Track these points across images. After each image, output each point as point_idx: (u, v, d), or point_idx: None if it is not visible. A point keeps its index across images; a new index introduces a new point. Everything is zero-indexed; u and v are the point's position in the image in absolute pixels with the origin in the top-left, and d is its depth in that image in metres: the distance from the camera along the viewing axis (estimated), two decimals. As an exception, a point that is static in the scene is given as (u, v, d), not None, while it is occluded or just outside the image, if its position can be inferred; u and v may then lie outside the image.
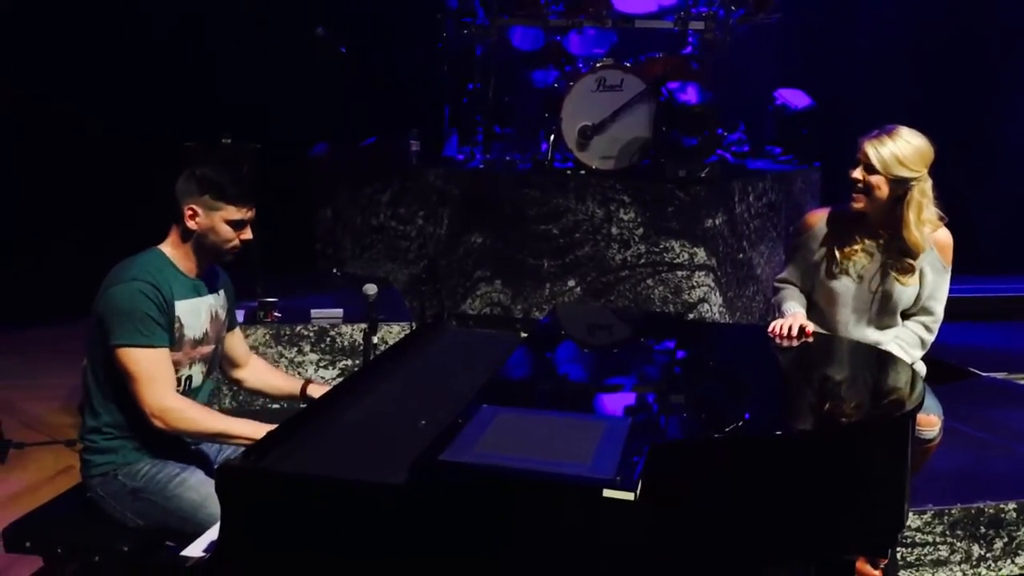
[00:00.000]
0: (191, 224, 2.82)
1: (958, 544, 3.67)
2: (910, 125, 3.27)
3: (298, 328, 4.83)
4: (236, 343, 3.13)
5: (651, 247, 5.39)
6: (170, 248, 2.87)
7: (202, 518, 2.59)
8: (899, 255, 3.28)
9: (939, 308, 3.37)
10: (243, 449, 2.35)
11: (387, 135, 6.19)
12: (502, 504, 2.02)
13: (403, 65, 6.91)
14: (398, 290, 5.69)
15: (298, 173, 6.22)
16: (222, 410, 4.29)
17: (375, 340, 3.58)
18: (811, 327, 3.24)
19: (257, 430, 2.62)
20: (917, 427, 3.15)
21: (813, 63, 6.97)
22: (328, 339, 4.83)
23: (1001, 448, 4.26)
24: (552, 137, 5.66)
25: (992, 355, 5.47)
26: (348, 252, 6.01)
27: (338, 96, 6.02)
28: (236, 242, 2.86)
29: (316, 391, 3.03)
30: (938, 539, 3.65)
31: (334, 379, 4.79)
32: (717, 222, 5.40)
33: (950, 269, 3.36)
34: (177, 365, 2.82)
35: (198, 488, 2.70)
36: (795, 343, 3.18)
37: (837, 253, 3.32)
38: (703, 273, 5.36)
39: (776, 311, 3.44)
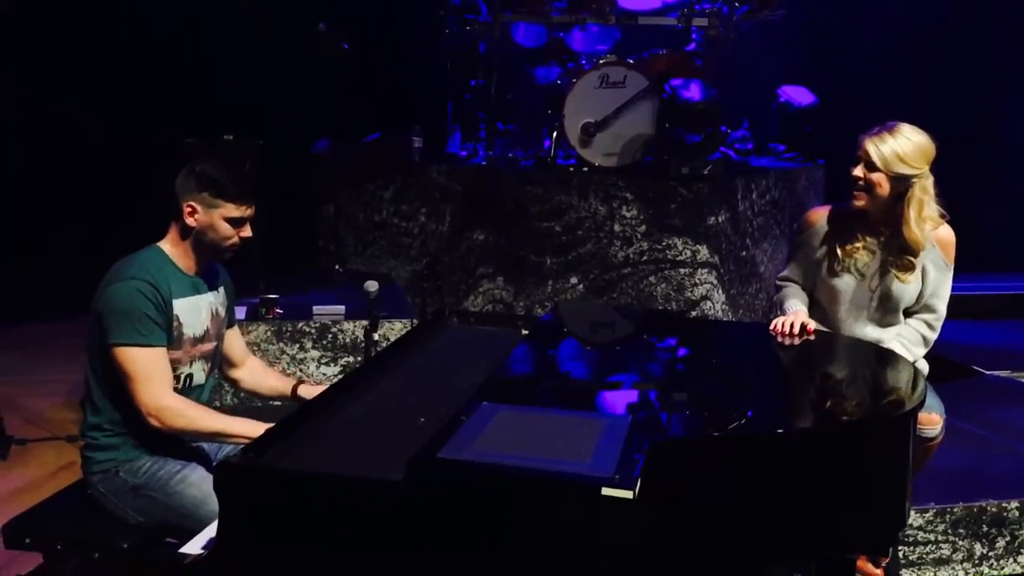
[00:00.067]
0: (190, 221, 2.82)
1: (960, 543, 3.66)
2: (914, 122, 3.26)
3: (300, 325, 4.83)
4: (234, 341, 3.12)
5: (654, 244, 5.38)
6: (169, 246, 2.87)
7: (203, 514, 2.58)
8: (900, 252, 3.27)
9: (942, 306, 3.36)
10: (242, 446, 2.35)
11: (390, 132, 6.18)
12: (500, 502, 2.02)
13: (406, 61, 6.91)
14: (400, 287, 5.68)
15: (300, 170, 6.21)
16: (224, 407, 4.30)
17: (376, 337, 3.58)
18: (813, 325, 3.24)
19: (255, 429, 2.62)
20: (919, 426, 3.15)
21: (817, 60, 6.95)
22: (330, 336, 4.83)
23: (1004, 446, 4.24)
24: (555, 134, 5.65)
25: (995, 353, 5.45)
26: (350, 249, 6.00)
27: (340, 93, 6.02)
28: (235, 239, 2.85)
29: (307, 391, 3.02)
30: (940, 538, 3.64)
31: (336, 376, 4.79)
32: (720, 219, 5.39)
33: (952, 267, 3.35)
34: (177, 363, 2.81)
35: (199, 485, 2.70)
36: (797, 341, 3.18)
37: (839, 251, 3.32)
38: (706, 270, 5.35)
39: (778, 309, 3.43)
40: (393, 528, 2.05)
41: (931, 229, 3.28)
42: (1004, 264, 6.89)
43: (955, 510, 3.64)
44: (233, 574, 2.12)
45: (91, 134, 6.65)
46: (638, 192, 5.39)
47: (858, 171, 3.22)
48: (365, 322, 4.56)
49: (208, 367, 2.95)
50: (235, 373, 3.16)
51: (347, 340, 4.84)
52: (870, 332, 3.35)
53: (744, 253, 5.60)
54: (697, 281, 5.35)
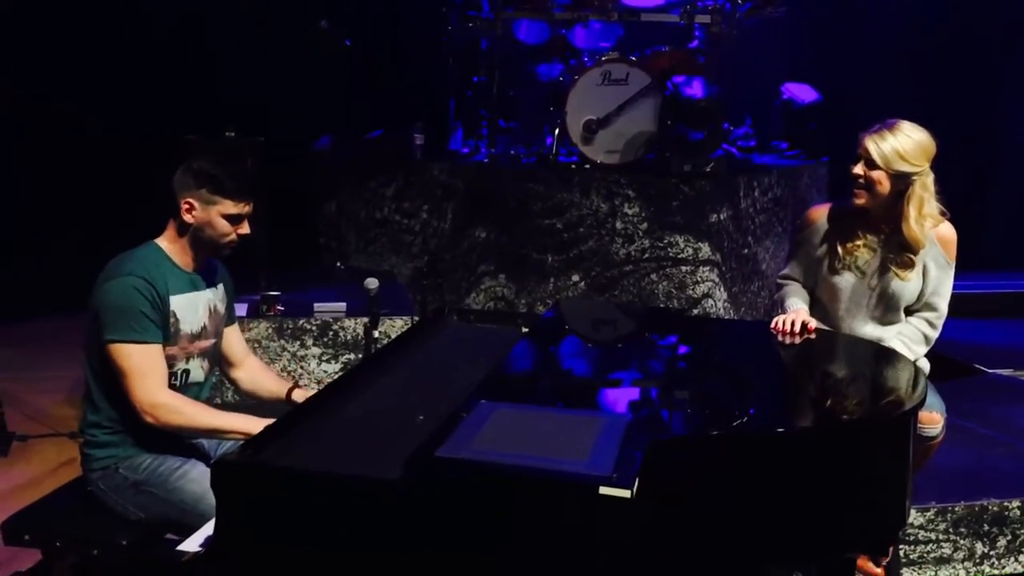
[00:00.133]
0: (188, 218, 2.81)
1: (961, 542, 3.66)
2: (917, 119, 3.25)
3: (301, 322, 4.82)
4: (233, 340, 3.10)
5: (655, 242, 5.38)
6: (167, 242, 2.86)
7: (203, 509, 2.58)
8: (900, 250, 3.27)
9: (943, 304, 3.35)
10: (240, 443, 2.34)
11: (392, 129, 6.17)
12: (498, 500, 2.01)
13: (407, 58, 6.89)
14: (402, 284, 5.68)
15: (302, 167, 6.20)
16: (225, 404, 4.30)
17: (376, 334, 3.58)
18: (813, 323, 3.23)
19: (252, 425, 2.62)
20: (919, 424, 3.15)
21: (820, 57, 6.93)
22: (331, 333, 4.82)
23: (1006, 445, 4.23)
24: (557, 131, 5.63)
25: (998, 352, 5.44)
26: (352, 246, 5.99)
27: (342, 90, 6.01)
28: (233, 236, 2.84)
29: (301, 396, 3.00)
30: (941, 537, 3.64)
31: (336, 373, 4.79)
32: (722, 217, 5.38)
33: (954, 265, 3.34)
34: (173, 359, 2.81)
35: (199, 480, 2.69)
36: (798, 339, 3.17)
37: (839, 249, 3.31)
38: (707, 268, 5.34)
39: (779, 308, 3.42)
40: (391, 526, 2.05)
41: (932, 227, 3.27)
42: (1006, 262, 6.88)
43: (956, 509, 3.64)
44: (230, 572, 2.12)
45: (91, 134, 6.65)
46: (640, 189, 5.38)
47: (858, 169, 3.21)
48: (366, 319, 4.56)
49: (207, 364, 2.94)
50: (235, 373, 3.14)
51: (348, 337, 4.83)
52: (871, 330, 3.34)
53: (746, 251, 5.58)
54: (699, 279, 5.34)
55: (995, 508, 3.66)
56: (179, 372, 2.84)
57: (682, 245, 5.35)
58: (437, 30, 6.26)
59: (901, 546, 3.59)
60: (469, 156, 6.00)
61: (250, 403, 3.16)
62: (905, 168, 3.17)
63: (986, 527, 3.67)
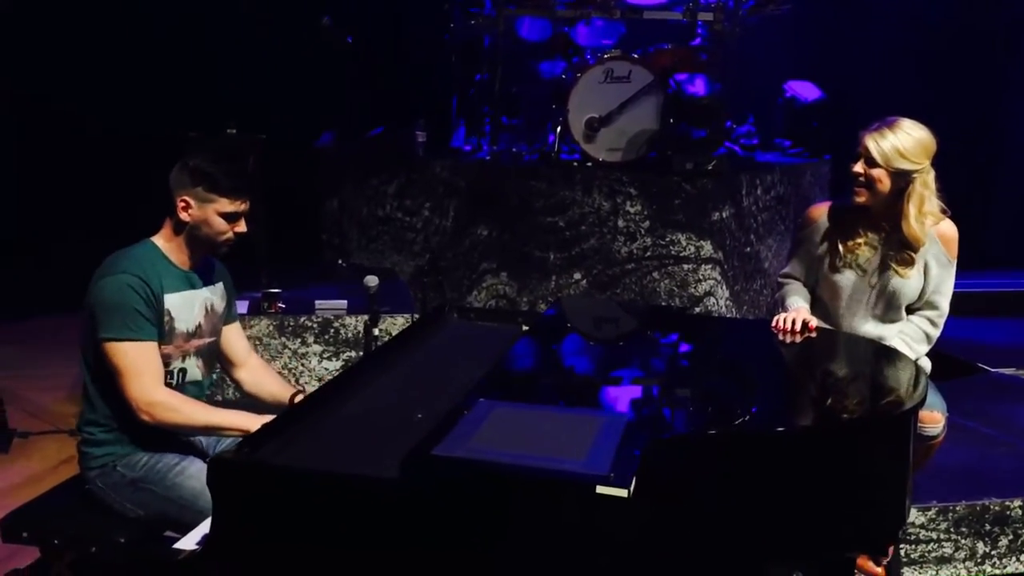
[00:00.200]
0: (184, 216, 2.79)
1: (963, 541, 3.65)
2: (920, 118, 3.24)
3: (302, 319, 4.82)
4: (233, 338, 3.08)
5: (657, 240, 5.37)
6: (163, 240, 2.85)
7: (202, 506, 2.56)
8: (900, 248, 3.26)
9: (944, 303, 3.34)
10: (238, 441, 2.33)
11: (394, 126, 6.17)
12: (495, 499, 2.01)
13: (410, 56, 6.89)
14: (404, 282, 5.67)
15: (304, 164, 6.20)
16: (226, 401, 4.30)
17: (376, 332, 3.57)
18: (814, 322, 3.22)
19: (250, 422, 2.61)
20: (920, 424, 3.14)
21: (824, 55, 6.92)
22: (332, 330, 4.82)
23: (1007, 445, 4.22)
24: (559, 129, 5.62)
25: (1000, 350, 5.42)
26: (354, 243, 5.99)
27: (344, 87, 6.00)
28: (230, 235, 2.82)
29: None
30: (942, 536, 3.63)
31: (337, 371, 4.78)
32: (724, 215, 5.37)
33: (955, 263, 3.33)
34: (169, 358, 2.80)
35: (198, 477, 2.67)
36: (798, 338, 3.16)
37: (840, 247, 3.30)
38: (709, 266, 5.33)
39: (780, 306, 3.42)
40: (387, 525, 2.04)
41: (932, 224, 3.26)
42: (1009, 261, 6.86)
43: (957, 508, 3.63)
44: (226, 570, 2.11)
45: (91, 134, 6.64)
46: (642, 187, 5.38)
47: (858, 167, 3.20)
48: (366, 317, 4.55)
49: (204, 363, 2.92)
50: (238, 373, 3.11)
51: (349, 335, 4.83)
52: (872, 328, 3.33)
53: (748, 249, 5.57)
54: (701, 277, 5.33)
55: (996, 508, 3.65)
56: (175, 371, 2.83)
57: (684, 243, 5.34)
58: (439, 27, 6.26)
59: (902, 545, 3.58)
60: (471, 154, 6.00)
61: (249, 400, 3.15)
62: (905, 166, 3.16)
63: (987, 527, 3.65)
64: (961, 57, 7.05)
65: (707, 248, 5.32)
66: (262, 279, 5.08)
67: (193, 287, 2.88)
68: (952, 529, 3.63)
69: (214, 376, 4.36)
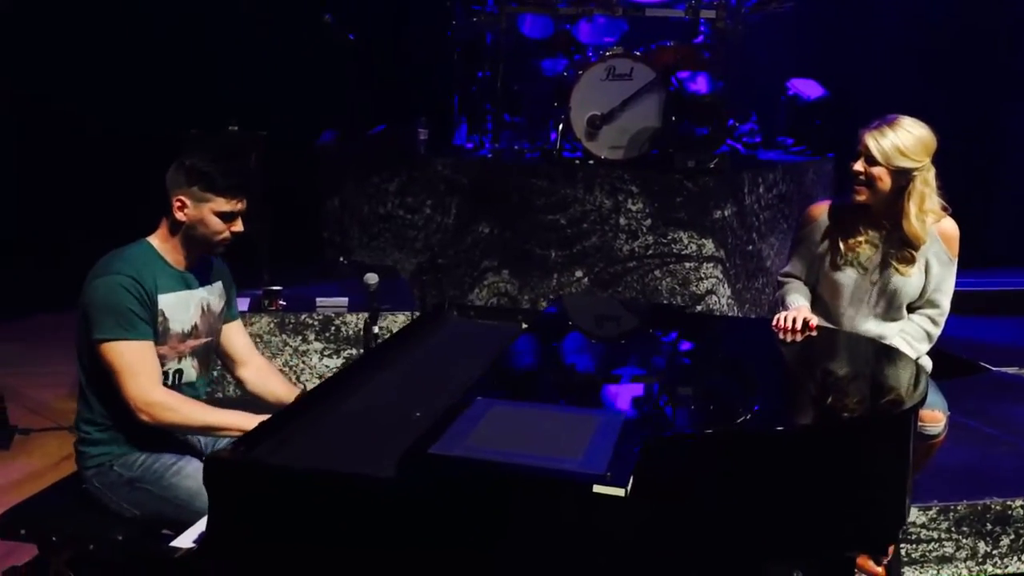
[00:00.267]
0: (180, 216, 2.77)
1: (964, 541, 3.64)
2: (923, 116, 3.23)
3: (303, 317, 4.82)
4: (235, 336, 3.06)
5: (659, 238, 5.36)
6: (158, 240, 2.83)
7: (198, 506, 2.54)
8: (901, 246, 3.25)
9: (945, 301, 3.33)
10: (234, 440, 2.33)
11: (395, 124, 6.16)
12: (491, 499, 2.00)
13: (412, 53, 6.88)
14: (405, 279, 5.67)
15: (305, 162, 6.20)
16: (227, 400, 4.30)
17: (376, 330, 3.55)
18: (815, 320, 3.21)
19: (248, 421, 2.59)
20: (921, 423, 3.13)
21: (826, 53, 6.90)
22: (333, 328, 4.82)
23: (1009, 444, 4.20)
24: (560, 126, 5.62)
25: (1003, 350, 5.41)
26: (356, 241, 5.99)
27: (346, 85, 6.00)
28: (227, 234, 2.80)
29: None
30: (944, 535, 3.62)
31: (338, 368, 4.78)
32: (726, 213, 5.35)
33: (956, 261, 3.32)
34: (164, 359, 2.78)
35: (194, 477, 2.64)
36: (799, 337, 3.15)
37: (841, 245, 3.29)
38: (711, 265, 5.32)
39: (780, 305, 3.41)
40: (384, 524, 2.03)
41: (933, 222, 3.25)
42: (1012, 259, 6.84)
43: (959, 508, 3.62)
44: (223, 568, 2.11)
45: (91, 133, 6.64)
46: (644, 185, 5.37)
47: (858, 165, 3.19)
48: (367, 315, 4.54)
49: (199, 363, 2.91)
50: (240, 372, 3.09)
51: (350, 332, 4.83)
52: (873, 327, 3.32)
53: (750, 247, 5.56)
54: (703, 275, 5.32)
55: (998, 507, 3.64)
56: (171, 372, 2.81)
57: (686, 241, 5.33)
58: (441, 24, 6.25)
59: (903, 545, 3.57)
60: (473, 151, 5.99)
61: (249, 399, 3.14)
62: (905, 164, 3.15)
63: (989, 526, 3.64)
64: (964, 55, 7.02)
65: (709, 246, 5.31)
66: (263, 277, 5.07)
67: (189, 287, 2.86)
68: (953, 529, 3.62)
69: (215, 374, 4.38)
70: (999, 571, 3.67)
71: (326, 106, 6.42)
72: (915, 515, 3.56)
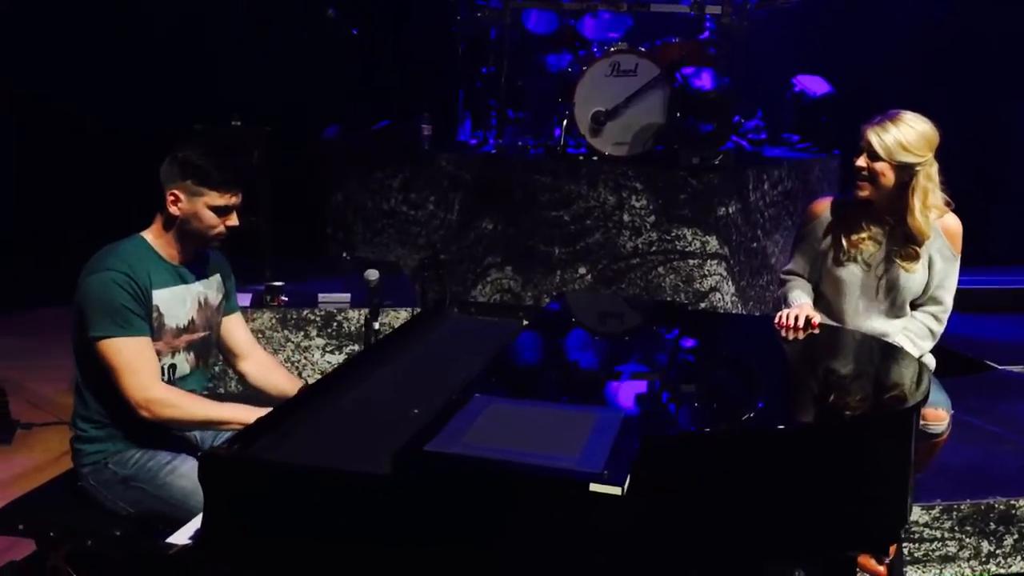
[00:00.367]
0: (174, 210, 2.75)
1: (967, 540, 3.62)
2: (929, 113, 3.22)
3: (305, 312, 4.80)
4: (235, 329, 3.05)
5: (663, 235, 5.34)
6: (153, 235, 2.81)
7: (192, 505, 2.53)
8: (905, 242, 3.23)
9: (948, 298, 3.31)
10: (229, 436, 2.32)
11: (399, 119, 6.15)
12: (487, 497, 1.99)
13: (416, 48, 6.86)
14: (407, 275, 5.66)
15: (308, 157, 6.19)
16: (228, 395, 4.28)
17: (377, 326, 3.54)
18: (817, 318, 3.19)
19: (249, 415, 2.57)
20: (925, 422, 3.11)
21: (833, 49, 6.86)
22: (335, 324, 4.81)
23: (1013, 443, 4.18)
24: (565, 122, 5.60)
25: (1008, 348, 5.38)
26: (359, 236, 5.98)
27: (349, 79, 5.98)
28: (221, 229, 2.78)
29: None
30: (947, 535, 3.60)
31: (340, 364, 4.77)
32: (730, 210, 5.33)
33: (959, 257, 3.30)
34: (158, 355, 2.75)
35: (189, 475, 2.64)
36: (801, 334, 3.13)
37: (844, 241, 3.27)
38: (715, 262, 5.30)
39: (782, 303, 3.39)
40: (379, 521, 2.02)
41: (937, 217, 3.23)
42: (1018, 257, 6.81)
43: (962, 507, 3.60)
44: (218, 564, 2.10)
45: (91, 134, 6.64)
46: (648, 182, 5.35)
47: (861, 161, 3.17)
48: (367, 311, 4.53)
49: (196, 357, 2.89)
50: (241, 365, 3.07)
51: (352, 328, 4.81)
52: (876, 324, 3.30)
53: (755, 244, 5.54)
54: (706, 272, 5.30)
55: (1002, 506, 3.62)
56: (165, 367, 2.79)
57: (690, 238, 5.31)
58: (445, 19, 6.23)
59: (905, 544, 3.56)
60: (477, 147, 5.98)
61: (251, 393, 3.13)
62: (908, 159, 3.13)
63: (992, 525, 3.62)
64: (970, 52, 6.99)
65: (713, 243, 5.29)
66: (265, 272, 5.06)
67: (184, 281, 2.84)
68: (956, 528, 3.60)
69: (216, 369, 4.37)
70: (1002, 571, 3.65)
71: (330, 101, 6.40)
72: (918, 514, 3.54)
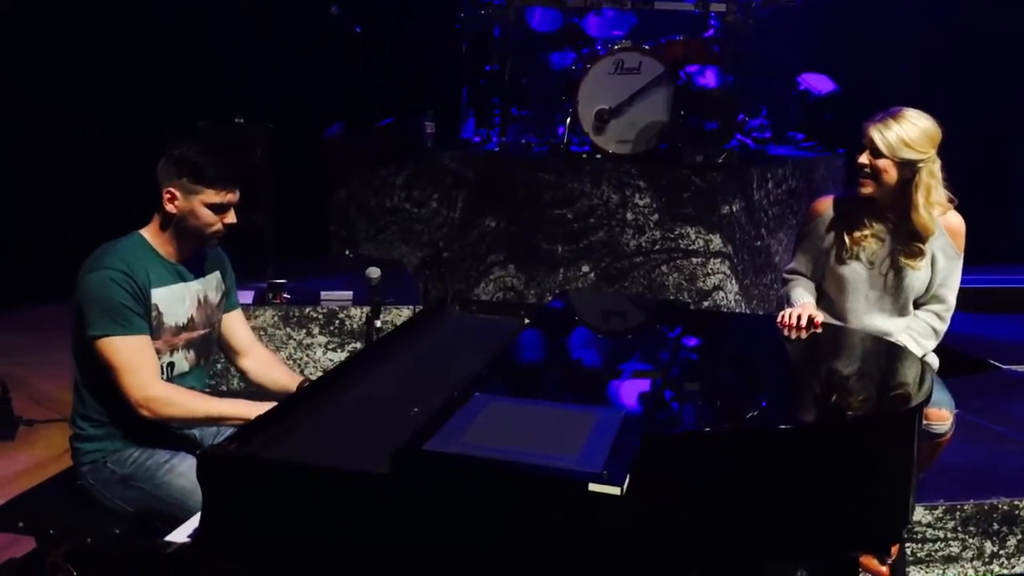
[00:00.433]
0: (170, 208, 2.73)
1: (970, 540, 3.60)
2: (937, 112, 3.21)
3: (307, 310, 4.80)
4: (235, 326, 3.04)
5: (666, 233, 5.32)
6: (151, 233, 2.80)
7: (191, 505, 2.52)
8: (909, 239, 3.22)
9: (951, 296, 3.30)
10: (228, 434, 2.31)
11: (403, 117, 6.14)
12: (486, 496, 1.98)
13: (419, 46, 6.85)
14: (409, 273, 5.65)
15: (312, 154, 6.18)
16: (231, 391, 4.29)
17: (379, 324, 3.54)
18: (820, 317, 3.18)
19: (251, 411, 2.57)
20: (927, 421, 3.10)
21: (838, 47, 6.84)
22: (337, 321, 4.80)
23: (1018, 443, 4.16)
24: (568, 120, 5.59)
25: (1013, 347, 5.36)
26: (362, 234, 5.97)
27: (353, 77, 5.98)
28: (219, 227, 2.76)
29: None
30: (950, 535, 3.58)
31: (341, 362, 4.76)
32: (734, 209, 5.32)
33: (962, 256, 3.28)
34: (157, 353, 2.74)
35: (187, 475, 2.62)
36: (804, 334, 3.12)
37: (846, 239, 3.27)
38: (719, 260, 5.29)
39: (785, 302, 3.38)
40: (378, 520, 2.01)
41: (940, 214, 3.22)
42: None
43: (965, 507, 3.58)
44: (217, 562, 2.09)
45: (91, 134, 6.63)
46: (651, 180, 5.33)
47: (864, 158, 3.17)
48: (368, 309, 4.53)
49: (196, 355, 2.88)
50: (242, 362, 3.07)
51: (354, 326, 4.81)
52: (879, 322, 3.29)
53: (759, 243, 5.52)
54: (710, 271, 5.29)
55: (1005, 507, 3.60)
56: (164, 365, 2.78)
57: (693, 237, 5.30)
58: (449, 17, 6.22)
59: (908, 544, 3.54)
60: (481, 145, 5.97)
61: (252, 390, 3.13)
62: (911, 155, 3.12)
63: (996, 526, 3.61)
64: (976, 50, 6.96)
65: (716, 242, 5.28)
66: (268, 269, 5.06)
67: (183, 280, 2.83)
68: (960, 528, 3.58)
69: (218, 366, 4.37)
70: (1006, 571, 3.63)
71: (333, 99, 6.39)
72: (921, 514, 3.53)
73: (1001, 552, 3.63)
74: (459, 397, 2.32)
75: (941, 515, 3.57)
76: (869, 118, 3.18)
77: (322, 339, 4.81)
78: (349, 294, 4.87)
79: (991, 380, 4.95)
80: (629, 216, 5.35)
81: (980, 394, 4.57)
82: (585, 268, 5.43)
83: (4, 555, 2.97)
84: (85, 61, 6.60)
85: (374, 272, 3.41)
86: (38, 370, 5.15)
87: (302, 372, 4.74)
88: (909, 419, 2.51)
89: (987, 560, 3.62)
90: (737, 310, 5.33)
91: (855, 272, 3.27)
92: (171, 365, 2.81)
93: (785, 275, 3.48)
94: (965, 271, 3.34)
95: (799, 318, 3.13)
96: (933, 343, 3.31)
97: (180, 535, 2.29)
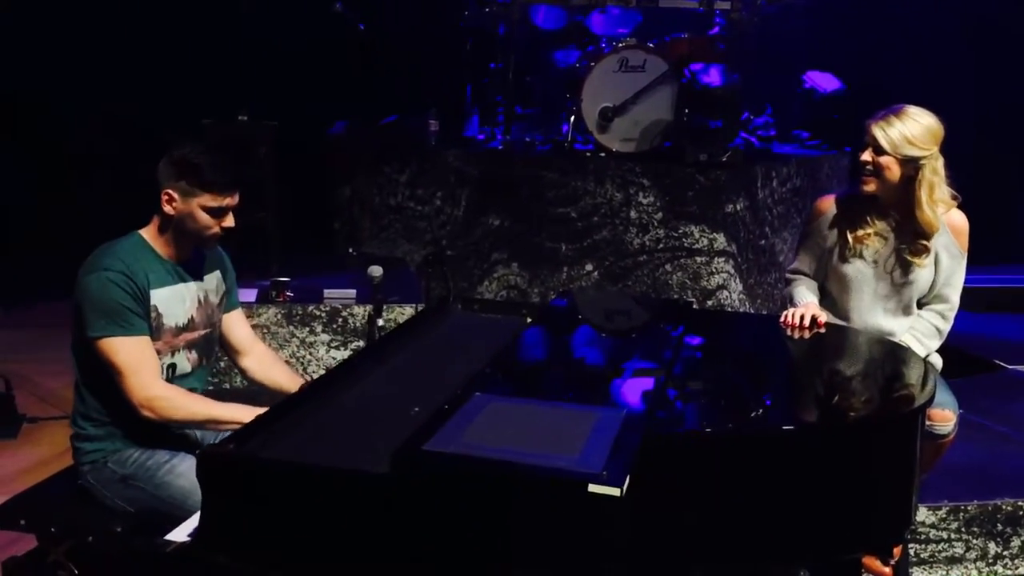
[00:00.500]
0: (168, 210, 2.72)
1: (974, 541, 3.59)
2: (943, 110, 3.20)
3: (310, 308, 4.80)
4: (236, 325, 3.04)
5: (670, 232, 5.31)
6: (150, 233, 2.79)
7: (191, 505, 2.51)
8: (913, 237, 3.21)
9: (955, 296, 3.29)
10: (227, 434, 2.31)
11: (407, 115, 6.13)
12: (485, 497, 1.97)
13: (423, 43, 6.84)
14: (412, 271, 5.64)
15: (316, 152, 6.17)
16: (232, 391, 4.28)
17: (381, 322, 3.54)
18: (823, 317, 3.17)
19: (250, 414, 2.56)
20: (931, 422, 3.09)
21: (843, 45, 6.82)
22: (340, 320, 4.80)
23: (1021, 444, 4.15)
24: (572, 118, 5.57)
25: (1019, 347, 5.33)
26: (366, 232, 5.96)
27: (357, 75, 5.97)
28: (216, 229, 2.75)
29: None
30: (953, 536, 3.57)
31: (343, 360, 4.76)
32: (738, 207, 5.30)
33: (966, 255, 3.27)
34: (158, 354, 2.73)
35: (187, 475, 2.62)
36: (807, 334, 3.11)
37: (849, 237, 3.25)
38: (723, 259, 5.27)
39: (788, 302, 3.36)
40: (376, 520, 2.01)
41: (943, 212, 3.21)
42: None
43: (969, 508, 3.57)
44: (216, 561, 2.09)
45: (93, 131, 6.63)
46: (655, 178, 5.32)
47: (866, 155, 3.16)
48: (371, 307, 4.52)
49: (195, 355, 2.87)
50: (243, 361, 3.06)
51: (357, 324, 4.81)
52: (882, 322, 3.28)
53: (763, 242, 5.51)
54: (714, 270, 5.27)
55: (1009, 508, 3.59)
56: (165, 366, 2.77)
57: (697, 235, 5.28)
58: (453, 15, 6.21)
59: (912, 545, 3.53)
60: (484, 143, 5.96)
61: (254, 389, 3.13)
62: (913, 153, 3.11)
63: (999, 527, 3.59)
64: (982, 47, 6.94)
65: (720, 240, 5.26)
66: (271, 267, 5.06)
67: (183, 280, 2.82)
68: (963, 529, 3.57)
69: (221, 364, 4.37)
70: (1009, 572, 3.62)
71: (337, 97, 6.38)
72: (924, 515, 3.52)
73: (1005, 553, 3.62)
74: (460, 397, 2.31)
75: (945, 516, 3.56)
76: (871, 115, 3.17)
77: (325, 337, 4.81)
78: (352, 292, 4.87)
79: (996, 380, 4.93)
80: (633, 215, 5.34)
81: (985, 394, 4.55)
82: (589, 267, 5.42)
83: (5, 553, 2.96)
84: (88, 58, 6.60)
85: (376, 271, 3.41)
86: (42, 367, 5.15)
87: (304, 370, 4.75)
88: (912, 420, 2.50)
89: (991, 561, 3.61)
90: (741, 309, 5.32)
91: (858, 271, 3.26)
92: (173, 366, 2.81)
93: (788, 275, 3.46)
94: (969, 270, 3.32)
95: (802, 318, 3.12)
96: (936, 343, 3.29)
97: (180, 534, 2.29)
